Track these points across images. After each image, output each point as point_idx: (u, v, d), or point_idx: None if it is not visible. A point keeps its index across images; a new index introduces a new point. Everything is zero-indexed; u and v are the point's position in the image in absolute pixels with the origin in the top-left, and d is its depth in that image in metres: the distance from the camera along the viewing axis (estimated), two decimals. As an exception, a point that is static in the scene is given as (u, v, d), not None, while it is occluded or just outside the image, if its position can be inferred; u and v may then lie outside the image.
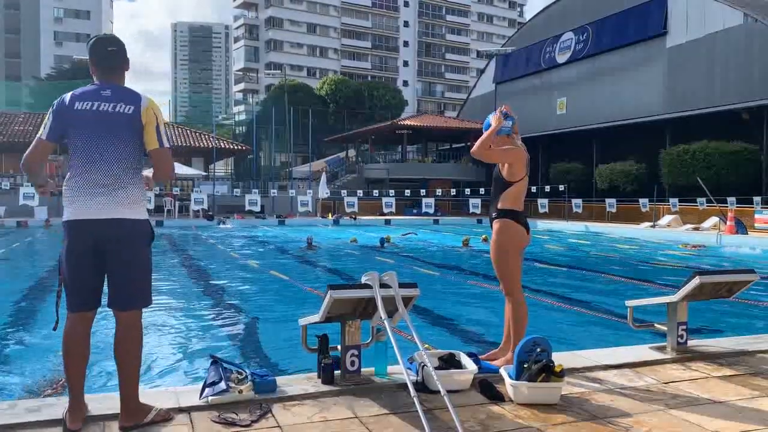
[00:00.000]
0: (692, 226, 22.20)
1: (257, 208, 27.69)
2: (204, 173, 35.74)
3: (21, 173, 32.68)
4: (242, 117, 72.45)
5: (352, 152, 51.02)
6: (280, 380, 3.61)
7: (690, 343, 4.56)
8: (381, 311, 3.42)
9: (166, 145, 3.04)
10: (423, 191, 32.49)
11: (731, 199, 22.39)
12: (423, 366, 3.58)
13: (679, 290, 4.42)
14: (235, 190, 32.08)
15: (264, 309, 7.93)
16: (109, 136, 2.92)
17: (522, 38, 40.90)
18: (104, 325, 5.88)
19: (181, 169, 30.58)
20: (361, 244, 17.19)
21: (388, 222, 28.29)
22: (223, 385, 3.31)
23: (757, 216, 21.24)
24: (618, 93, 32.14)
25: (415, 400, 2.91)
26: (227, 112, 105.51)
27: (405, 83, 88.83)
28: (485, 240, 16.24)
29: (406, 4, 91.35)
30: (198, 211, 27.74)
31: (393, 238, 17.78)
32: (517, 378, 3.46)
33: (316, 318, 3.73)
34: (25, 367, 5.04)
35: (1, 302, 7.75)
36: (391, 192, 31.97)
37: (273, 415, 3.18)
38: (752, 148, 25.22)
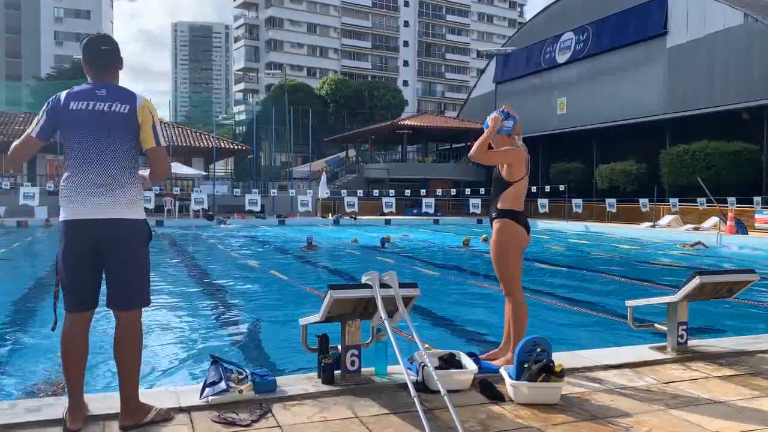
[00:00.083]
0: (692, 226, 22.20)
1: (257, 208, 27.68)
2: (204, 173, 35.76)
3: (21, 173, 32.71)
4: (242, 117, 72.56)
5: (352, 152, 51.04)
6: (280, 380, 3.61)
7: (690, 343, 4.56)
8: (381, 311, 3.42)
9: (163, 143, 3.05)
10: (423, 191, 32.50)
11: (731, 199, 22.39)
12: (423, 366, 3.58)
13: (679, 290, 4.42)
14: (235, 190, 32.06)
15: (264, 309, 7.93)
16: (106, 136, 2.91)
17: (522, 38, 40.90)
18: (104, 325, 5.88)
19: (181, 169, 30.62)
20: (362, 244, 17.20)
21: (388, 222, 28.30)
22: (223, 384, 3.31)
23: (757, 216, 21.24)
24: (618, 93, 32.14)
25: (416, 399, 2.92)
26: (227, 111, 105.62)
27: (405, 83, 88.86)
28: (485, 240, 16.24)
29: (407, 4, 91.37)
30: (198, 210, 27.74)
31: (393, 239, 17.77)
32: (518, 378, 3.46)
33: (316, 318, 3.73)
34: (26, 367, 5.04)
35: (2, 302, 7.74)
36: (392, 192, 31.97)
37: (273, 415, 3.18)
38: (752, 148, 25.22)
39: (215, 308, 7.76)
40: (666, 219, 24.41)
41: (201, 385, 3.40)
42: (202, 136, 37.41)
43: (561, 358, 3.79)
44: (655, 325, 4.77)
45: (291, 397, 3.42)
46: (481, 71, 49.72)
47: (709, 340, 4.99)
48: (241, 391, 3.30)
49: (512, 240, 4.13)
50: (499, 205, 4.19)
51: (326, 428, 3.04)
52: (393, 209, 30.31)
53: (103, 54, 3.02)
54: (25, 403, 3.28)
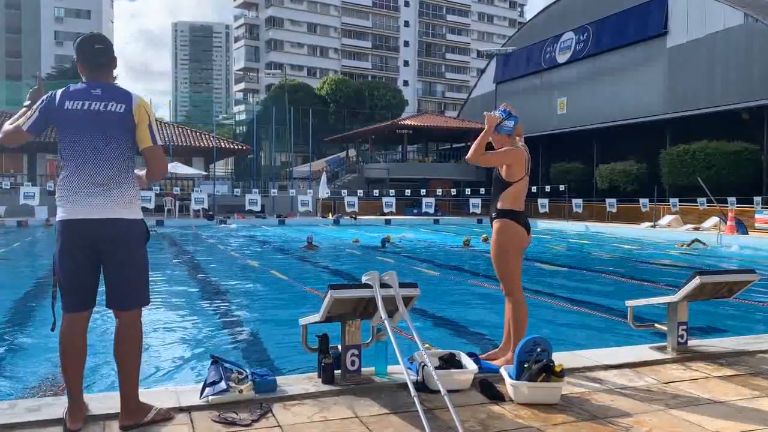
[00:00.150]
0: (692, 226, 22.20)
1: (257, 208, 27.68)
2: (204, 173, 35.76)
3: (21, 173, 32.76)
4: (242, 117, 72.57)
5: (352, 152, 51.04)
6: (280, 380, 3.61)
7: (690, 343, 4.56)
8: (381, 311, 3.42)
9: (159, 142, 3.04)
10: (423, 191, 32.50)
11: (731, 199, 22.38)
12: (423, 366, 3.58)
13: (679, 290, 4.42)
14: (235, 189, 32.06)
15: (264, 308, 7.94)
16: (102, 135, 2.90)
17: (522, 38, 40.90)
18: (104, 325, 5.89)
19: (181, 168, 30.60)
20: (363, 244, 17.20)
21: (388, 222, 28.30)
22: (223, 384, 3.31)
23: (757, 216, 21.24)
24: (618, 93, 32.14)
25: (416, 399, 2.91)
26: (228, 111, 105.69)
27: (405, 83, 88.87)
28: (485, 240, 16.24)
29: (407, 4, 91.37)
30: (198, 210, 27.74)
31: (393, 239, 17.77)
32: (518, 378, 3.46)
33: (316, 318, 3.73)
34: (26, 367, 5.04)
35: (2, 302, 7.74)
36: (392, 192, 31.97)
37: (273, 415, 3.18)
38: (752, 148, 25.22)
39: (215, 308, 7.76)
40: (666, 219, 24.41)
41: (201, 384, 3.40)
42: (203, 135, 37.41)
43: (561, 358, 3.79)
44: (655, 325, 4.77)
45: (291, 397, 3.42)
46: (482, 71, 49.72)
47: (710, 340, 4.99)
48: (241, 391, 3.30)
49: (512, 240, 4.13)
50: (499, 205, 4.19)
51: (326, 428, 3.04)
52: (393, 209, 30.32)
53: (97, 53, 3.01)
54: (25, 403, 3.28)
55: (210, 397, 3.26)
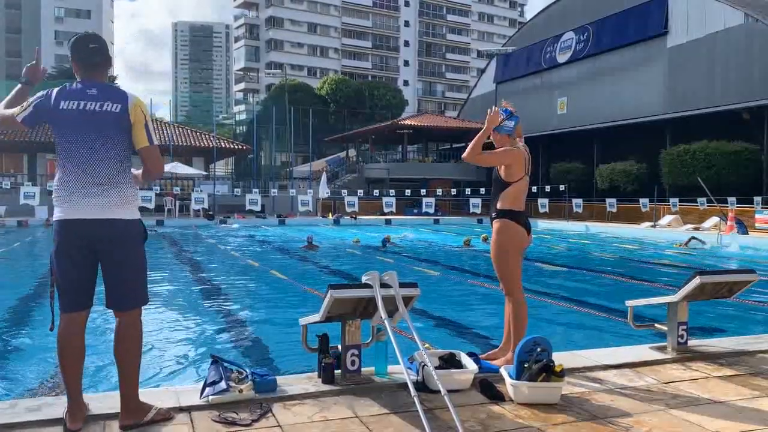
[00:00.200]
0: (692, 226, 22.20)
1: (258, 208, 27.68)
2: (204, 173, 35.75)
3: (22, 173, 32.74)
4: (243, 116, 72.54)
5: (352, 152, 51.04)
6: (280, 380, 3.61)
7: (690, 343, 4.56)
8: (381, 311, 3.42)
9: (155, 142, 3.03)
10: (423, 191, 32.49)
11: (732, 199, 22.38)
12: (423, 366, 3.58)
13: (679, 290, 4.42)
14: (235, 189, 32.06)
15: (264, 308, 7.94)
16: (98, 136, 2.89)
17: (522, 38, 40.90)
18: (104, 324, 5.89)
19: (181, 168, 30.60)
20: (363, 244, 17.20)
21: (388, 222, 28.31)
22: (223, 384, 3.31)
23: (757, 216, 21.24)
24: (618, 93, 32.14)
25: (416, 399, 2.91)
26: (228, 111, 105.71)
27: (405, 83, 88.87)
28: (485, 240, 16.25)
29: (407, 4, 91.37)
30: (198, 210, 27.75)
31: (393, 239, 17.77)
32: (518, 378, 3.46)
33: (316, 317, 3.73)
34: (26, 367, 5.04)
35: (2, 301, 7.75)
36: (392, 192, 31.96)
37: (273, 415, 3.18)
38: (753, 148, 25.21)
39: (215, 308, 7.76)
40: (666, 219, 24.41)
41: (201, 384, 3.40)
42: (203, 135, 37.40)
43: (561, 358, 3.79)
44: (656, 325, 4.77)
45: (291, 397, 3.42)
46: (482, 71, 49.73)
47: (710, 340, 4.99)
48: (241, 391, 3.30)
49: (512, 240, 4.13)
50: (498, 205, 4.19)
51: (326, 428, 3.04)
52: (393, 209, 30.32)
53: (92, 52, 3.00)
54: (26, 403, 3.28)
55: (210, 397, 3.26)
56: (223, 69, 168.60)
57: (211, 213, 28.01)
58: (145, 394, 3.18)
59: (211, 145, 35.14)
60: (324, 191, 30.95)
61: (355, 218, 28.58)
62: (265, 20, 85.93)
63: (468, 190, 32.25)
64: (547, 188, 30.20)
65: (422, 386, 3.54)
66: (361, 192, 31.38)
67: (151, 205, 25.03)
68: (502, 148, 4.19)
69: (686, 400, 3.55)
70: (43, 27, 72.73)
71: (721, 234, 18.12)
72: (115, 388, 3.11)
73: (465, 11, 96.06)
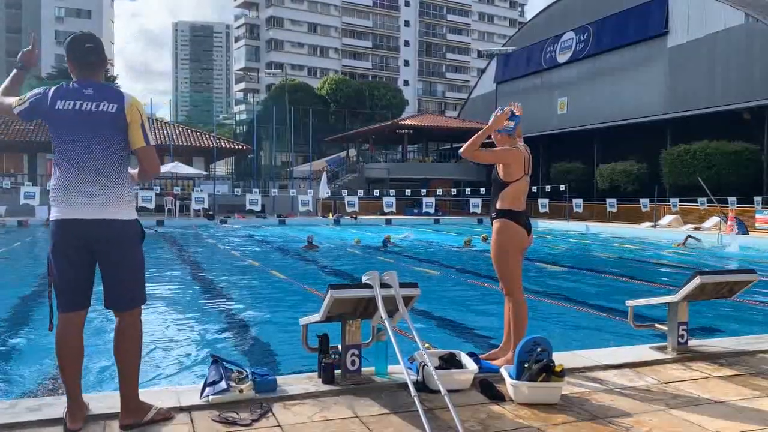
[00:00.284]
0: (693, 226, 22.20)
1: (258, 208, 27.69)
2: (205, 173, 35.75)
3: (22, 173, 32.74)
4: (243, 116, 72.57)
5: (352, 152, 51.04)
6: (280, 380, 3.62)
7: (690, 343, 4.56)
8: (381, 311, 3.42)
9: (152, 142, 3.02)
10: (424, 191, 32.49)
11: (732, 199, 22.38)
12: (423, 365, 3.58)
13: (679, 290, 4.42)
14: (235, 189, 32.07)
15: (264, 308, 7.94)
16: (94, 136, 2.89)
17: (523, 38, 40.89)
18: (104, 324, 5.89)
19: (181, 168, 30.60)
20: (364, 244, 17.20)
21: (388, 222, 28.31)
22: (223, 384, 3.31)
23: (757, 216, 21.24)
24: (619, 93, 32.14)
25: (416, 399, 2.91)
26: (228, 111, 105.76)
27: (406, 83, 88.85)
28: (485, 240, 16.25)
29: (407, 4, 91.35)
30: (199, 210, 27.75)
31: (394, 239, 17.78)
32: (518, 378, 3.46)
33: (316, 317, 3.73)
34: (26, 367, 5.04)
35: (2, 301, 7.75)
36: (392, 192, 31.95)
37: (273, 415, 3.19)
38: (753, 148, 25.21)
39: (216, 308, 7.76)
40: (666, 219, 24.40)
41: (201, 384, 3.40)
42: (203, 135, 37.41)
43: (561, 358, 3.79)
44: (656, 325, 4.77)
45: (291, 397, 3.42)
46: (482, 71, 49.69)
47: (710, 340, 4.99)
48: (241, 391, 3.30)
49: (512, 240, 4.13)
50: (498, 205, 4.19)
51: (326, 428, 3.04)
52: (393, 209, 30.31)
53: (87, 52, 2.99)
54: (26, 403, 3.28)
55: (210, 397, 3.26)
56: (223, 69, 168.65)
57: (211, 213, 28.01)
58: (146, 394, 3.18)
59: (211, 145, 35.15)
60: (324, 191, 30.95)
61: (356, 218, 28.58)
62: (266, 20, 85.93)
63: (468, 190, 32.24)
64: (548, 188, 30.19)
65: (422, 386, 3.54)
66: (361, 192, 31.37)
67: (152, 205, 25.03)
68: (501, 147, 4.20)
69: (686, 400, 3.55)
70: (44, 27, 72.65)
71: (721, 234, 18.12)
72: (115, 387, 3.11)
73: (465, 11, 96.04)
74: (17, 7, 74.76)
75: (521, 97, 37.82)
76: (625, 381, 3.88)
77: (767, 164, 24.82)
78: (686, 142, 26.70)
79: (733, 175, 24.89)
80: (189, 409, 3.20)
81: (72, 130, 2.88)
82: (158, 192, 27.51)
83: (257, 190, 31.21)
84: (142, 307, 3.08)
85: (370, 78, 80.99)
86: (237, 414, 3.13)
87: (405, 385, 3.28)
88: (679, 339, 4.47)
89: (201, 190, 29.71)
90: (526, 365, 3.47)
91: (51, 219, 2.95)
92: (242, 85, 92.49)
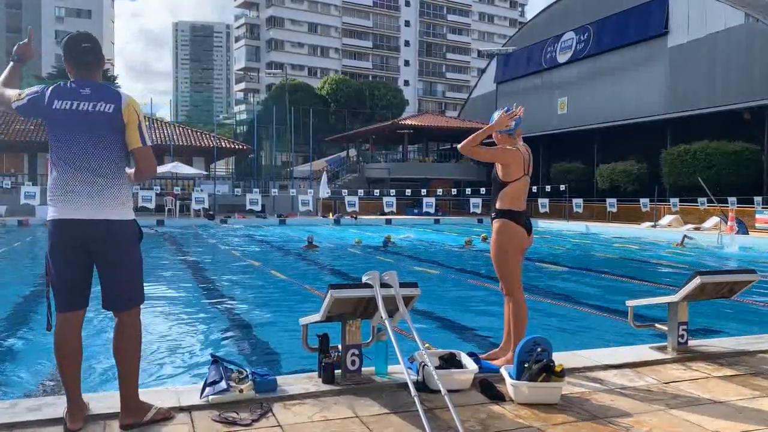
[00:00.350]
0: (693, 226, 22.19)
1: (258, 208, 27.69)
2: (205, 173, 35.76)
3: (22, 172, 32.73)
4: (243, 116, 72.58)
5: (352, 152, 51.05)
6: (280, 379, 3.62)
7: (690, 343, 4.56)
8: (381, 311, 3.42)
9: (148, 143, 3.02)
10: (424, 191, 32.50)
11: (732, 199, 22.38)
12: (423, 365, 3.58)
13: (679, 290, 4.42)
14: (236, 189, 32.07)
15: (265, 308, 7.94)
16: (91, 136, 2.88)
17: (523, 38, 40.88)
18: (104, 324, 5.89)
19: (182, 168, 30.61)
20: (365, 244, 17.20)
21: (389, 222, 28.32)
22: (223, 384, 3.31)
23: (758, 216, 21.23)
24: (619, 93, 32.12)
25: (416, 399, 2.92)
26: (228, 111, 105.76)
27: (406, 83, 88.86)
28: (485, 239, 16.25)
29: (407, 4, 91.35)
30: (199, 210, 27.75)
31: (394, 239, 17.77)
32: (518, 378, 3.46)
33: (316, 317, 3.73)
34: (27, 367, 5.04)
35: (3, 301, 7.75)
36: (392, 192, 31.96)
37: (273, 415, 3.19)
38: (753, 148, 25.21)
39: (216, 307, 7.76)
40: (667, 219, 24.40)
41: (201, 384, 3.40)
42: (203, 135, 37.41)
43: (561, 358, 3.79)
44: (656, 325, 4.77)
45: (291, 397, 3.42)
46: (482, 71, 49.67)
47: (710, 340, 4.99)
48: (241, 391, 3.30)
49: (512, 240, 4.13)
50: (497, 205, 4.20)
51: (327, 428, 3.04)
52: (394, 209, 30.31)
53: (84, 51, 2.98)
54: (26, 402, 3.28)
55: (210, 397, 3.27)
56: (223, 69, 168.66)
57: (211, 213, 28.01)
58: (146, 394, 3.18)
59: (211, 145, 35.16)
60: (324, 191, 30.95)
61: (356, 218, 28.58)
62: (266, 20, 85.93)
63: (468, 190, 32.25)
64: (548, 188, 30.19)
65: (422, 386, 3.54)
66: (361, 192, 31.37)
67: (152, 205, 25.05)
68: (500, 147, 4.20)
69: (686, 400, 3.55)
70: (44, 27, 72.67)
71: (721, 234, 18.12)
72: (115, 387, 3.11)
73: (465, 11, 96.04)
74: (17, 7, 74.76)
75: (521, 97, 37.81)
76: (625, 381, 3.88)
77: (767, 164, 24.82)
78: (686, 142, 26.70)
79: (734, 175, 24.89)
80: (189, 409, 3.20)
81: (69, 130, 2.88)
82: (158, 192, 27.52)
83: (257, 190, 31.22)
84: (143, 306, 3.08)
85: (370, 78, 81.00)
86: (237, 414, 3.14)
87: (405, 385, 3.28)
88: (679, 339, 4.47)
89: (201, 190, 29.71)
90: (526, 365, 3.47)
91: (48, 219, 2.94)
92: (242, 85, 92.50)
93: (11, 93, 3.00)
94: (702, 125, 26.85)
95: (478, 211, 28.88)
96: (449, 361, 3.78)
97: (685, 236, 18.14)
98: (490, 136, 4.19)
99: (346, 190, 32.60)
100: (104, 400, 3.24)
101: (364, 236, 19.18)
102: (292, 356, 5.19)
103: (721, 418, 3.26)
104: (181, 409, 3.19)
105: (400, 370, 3.50)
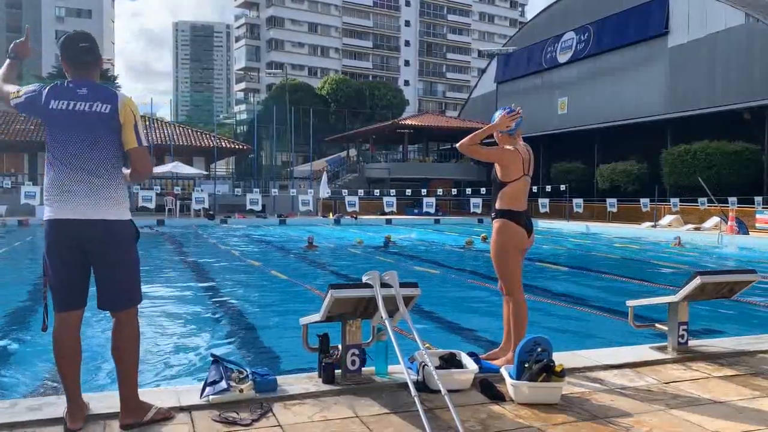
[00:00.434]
0: (693, 226, 22.19)
1: (258, 208, 27.70)
2: (205, 172, 35.77)
3: (23, 172, 32.73)
4: (243, 116, 72.59)
5: (353, 152, 51.04)
6: (280, 379, 3.61)
7: (691, 343, 4.55)
8: (382, 311, 3.42)
9: (144, 143, 3.02)
10: (424, 191, 32.49)
11: (732, 199, 22.37)
12: (424, 365, 3.58)
13: (680, 290, 4.42)
14: (236, 189, 32.07)
15: (265, 308, 7.94)
16: (87, 136, 2.88)
17: (523, 38, 40.87)
18: (104, 324, 5.89)
19: (182, 168, 30.61)
20: (366, 244, 17.19)
21: (389, 222, 28.32)
22: (223, 384, 3.31)
23: (758, 216, 21.23)
24: (619, 93, 32.12)
25: (416, 399, 2.91)
26: (228, 111, 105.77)
27: (406, 83, 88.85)
28: (485, 239, 16.25)
29: (408, 4, 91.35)
30: (199, 210, 27.75)
31: (395, 239, 17.77)
32: (518, 378, 3.46)
33: (316, 317, 3.73)
34: (27, 366, 5.04)
35: (3, 300, 7.75)
36: (392, 191, 31.95)
37: (274, 415, 3.19)
38: (753, 148, 25.21)
39: (216, 307, 7.77)
40: (667, 219, 24.39)
41: (201, 384, 3.40)
42: (203, 135, 37.42)
43: (561, 358, 3.79)
44: (656, 325, 4.77)
45: (292, 397, 3.42)
46: (482, 71, 49.65)
47: (710, 340, 4.99)
48: (241, 391, 3.30)
49: (511, 240, 4.13)
50: (497, 205, 4.20)
51: (327, 428, 3.04)
52: (394, 209, 30.31)
53: (82, 51, 2.98)
54: (26, 402, 3.28)
55: (210, 397, 3.27)
56: (223, 69, 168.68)
57: (211, 213, 28.01)
58: (146, 394, 3.18)
59: (211, 145, 35.16)
60: (324, 191, 30.96)
61: (356, 218, 28.59)
62: (266, 20, 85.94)
63: (468, 190, 32.24)
64: (548, 188, 30.18)
65: (423, 386, 3.54)
66: (361, 192, 31.36)
67: (152, 205, 25.05)
68: (499, 147, 4.20)
69: (687, 400, 3.55)
70: (44, 26, 72.70)
71: (721, 234, 18.11)
72: (115, 387, 3.11)
73: (466, 11, 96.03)
74: (17, 6, 74.75)
75: (522, 97, 37.81)
76: (625, 381, 3.88)
77: (767, 164, 24.82)
78: (686, 142, 26.69)
79: (734, 175, 24.88)
80: (189, 409, 3.20)
81: (65, 130, 2.88)
82: (159, 192, 27.53)
83: (257, 189, 31.22)
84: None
85: (370, 78, 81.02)
86: (237, 414, 3.14)
87: (405, 385, 3.28)
88: (680, 339, 4.47)
89: (201, 190, 29.71)
90: (526, 365, 3.47)
91: (44, 219, 2.94)
92: (243, 85, 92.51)
93: (10, 89, 3.00)
94: (702, 125, 26.85)
95: (479, 211, 28.88)
96: (449, 361, 3.78)
97: (678, 237, 18.19)
98: (490, 136, 4.19)
99: (346, 190, 32.60)
100: (104, 399, 3.24)
101: (365, 237, 19.18)
102: (292, 356, 5.19)
103: (721, 418, 3.26)
104: (181, 409, 3.19)
105: (401, 370, 3.50)
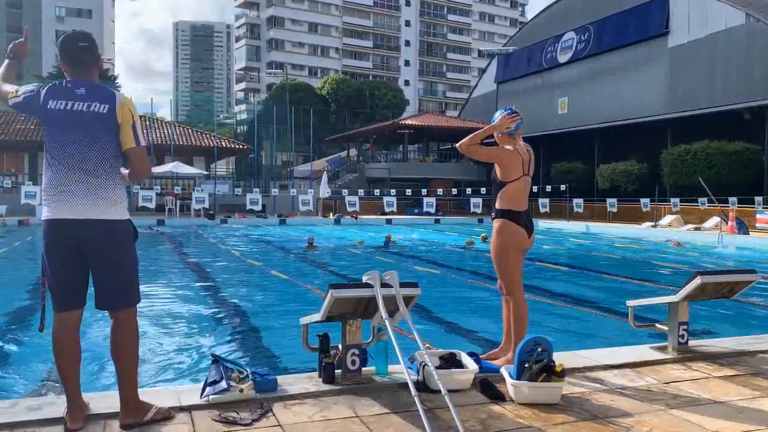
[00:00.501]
0: (693, 226, 22.19)
1: (258, 208, 27.70)
2: (205, 172, 35.78)
3: (23, 172, 32.73)
4: (243, 116, 72.62)
5: (353, 152, 51.04)
6: (280, 379, 3.61)
7: (691, 343, 4.55)
8: (382, 310, 3.42)
9: (143, 143, 3.02)
10: (424, 191, 32.49)
11: (732, 199, 22.36)
12: (424, 365, 3.58)
13: (680, 290, 4.42)
14: (236, 189, 32.08)
15: (265, 308, 7.94)
16: (85, 136, 2.88)
17: (523, 38, 40.87)
18: (104, 324, 5.89)
19: (182, 168, 30.61)
20: (366, 244, 17.19)
21: (389, 221, 28.32)
22: (224, 384, 3.31)
23: (758, 216, 21.23)
24: (619, 93, 32.11)
25: (416, 399, 2.91)
26: (228, 111, 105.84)
27: (406, 83, 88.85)
28: (485, 239, 16.24)
29: (408, 4, 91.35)
30: (199, 210, 27.76)
31: (395, 239, 17.77)
32: (518, 378, 3.46)
33: (317, 317, 3.73)
34: (27, 366, 5.04)
35: (3, 300, 7.75)
36: (393, 191, 31.95)
37: (274, 414, 3.19)
38: (754, 148, 25.21)
39: (216, 307, 7.76)
40: (667, 219, 24.40)
41: (202, 384, 3.40)
42: (204, 135, 37.42)
43: (561, 358, 3.79)
44: (656, 325, 4.77)
45: (292, 397, 3.42)
46: (483, 71, 49.64)
47: (710, 340, 4.99)
48: (241, 390, 3.30)
49: (512, 240, 4.13)
50: (497, 205, 4.20)
51: (327, 427, 3.04)
52: (394, 209, 30.30)
53: (81, 51, 2.98)
54: (26, 402, 3.28)
55: (210, 397, 3.27)
56: (224, 68, 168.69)
57: (211, 213, 28.01)
58: (146, 394, 3.18)
59: (211, 145, 35.17)
60: (325, 191, 30.96)
61: (356, 218, 28.59)
62: (266, 20, 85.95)
63: (469, 190, 32.23)
64: (548, 188, 30.17)
65: (423, 386, 3.54)
66: (361, 192, 31.35)
67: (152, 205, 25.06)
68: (499, 147, 4.21)
69: (687, 400, 3.55)
70: (44, 26, 72.70)
71: (722, 234, 18.11)
72: (116, 387, 3.11)
73: (466, 11, 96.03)
74: (17, 6, 74.75)
75: (522, 97, 37.82)
76: (625, 381, 3.88)
77: (767, 164, 24.81)
78: (687, 142, 26.69)
79: (734, 175, 24.88)
80: (189, 409, 3.20)
81: (63, 130, 2.88)
82: (159, 192, 27.53)
83: (258, 189, 31.22)
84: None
85: (370, 78, 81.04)
86: (237, 414, 3.14)
87: (405, 385, 3.28)
88: (680, 339, 4.47)
89: (201, 190, 29.72)
90: (526, 365, 3.47)
91: (43, 219, 2.94)
92: (243, 85, 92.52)
93: (8, 88, 3.01)
94: (702, 125, 26.84)
95: (479, 211, 28.88)
96: (449, 361, 3.78)
97: (674, 239, 18.27)
98: (491, 136, 4.20)
99: (346, 190, 32.58)
100: (104, 399, 3.24)
101: (366, 237, 19.18)
102: (292, 356, 5.19)
103: (721, 418, 3.26)
104: (182, 409, 3.19)
105: (401, 370, 3.50)
